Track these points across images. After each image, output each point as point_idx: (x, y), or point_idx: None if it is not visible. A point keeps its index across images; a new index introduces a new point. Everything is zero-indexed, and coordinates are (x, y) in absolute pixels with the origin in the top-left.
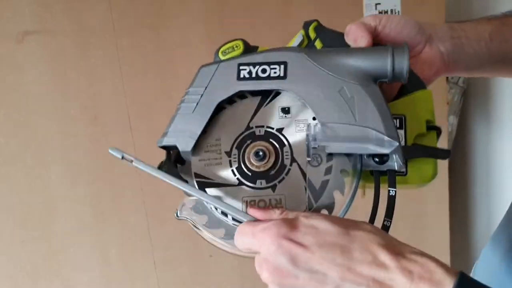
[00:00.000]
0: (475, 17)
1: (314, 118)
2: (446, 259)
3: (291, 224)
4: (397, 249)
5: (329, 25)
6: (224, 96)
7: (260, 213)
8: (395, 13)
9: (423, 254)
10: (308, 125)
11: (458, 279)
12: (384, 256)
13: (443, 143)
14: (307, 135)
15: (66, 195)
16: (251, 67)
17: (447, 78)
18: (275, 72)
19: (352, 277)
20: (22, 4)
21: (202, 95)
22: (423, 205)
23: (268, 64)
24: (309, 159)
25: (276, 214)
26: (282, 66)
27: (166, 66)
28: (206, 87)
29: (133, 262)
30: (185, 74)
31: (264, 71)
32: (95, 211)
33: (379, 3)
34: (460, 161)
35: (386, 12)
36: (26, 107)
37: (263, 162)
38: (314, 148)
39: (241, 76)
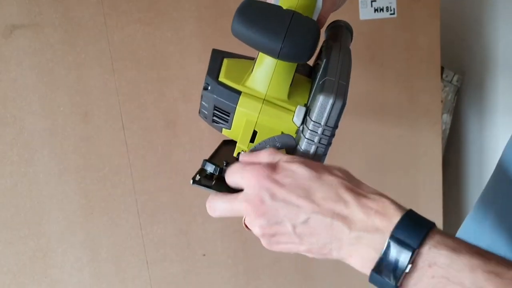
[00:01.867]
0: (469, 13)
1: None
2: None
3: (273, 167)
4: (360, 191)
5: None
6: None
7: (249, 156)
8: (391, 10)
9: (381, 195)
10: None
11: (406, 212)
12: (347, 196)
13: (437, 141)
14: None
15: (54, 193)
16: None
17: (441, 76)
18: None
19: (319, 210)
20: None
21: None
22: (416, 200)
23: None
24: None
25: (262, 156)
26: None
27: (158, 62)
28: None
29: (125, 262)
30: (178, 69)
31: None
32: (85, 210)
33: (375, 0)
34: (453, 158)
35: (382, 9)
36: (13, 103)
37: None
38: None
39: None
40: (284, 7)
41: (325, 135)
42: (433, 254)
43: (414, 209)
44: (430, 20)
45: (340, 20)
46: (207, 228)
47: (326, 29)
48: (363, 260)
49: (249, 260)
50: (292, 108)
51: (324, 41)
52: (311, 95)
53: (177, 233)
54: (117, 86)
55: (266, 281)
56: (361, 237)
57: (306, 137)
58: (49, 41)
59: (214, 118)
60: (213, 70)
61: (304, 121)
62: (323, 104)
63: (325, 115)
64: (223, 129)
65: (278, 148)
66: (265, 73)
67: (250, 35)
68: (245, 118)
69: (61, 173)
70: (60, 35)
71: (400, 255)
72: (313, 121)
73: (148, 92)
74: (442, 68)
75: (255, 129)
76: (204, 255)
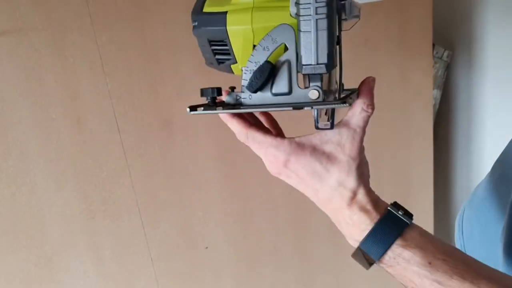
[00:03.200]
0: (460, 16)
1: None
2: (429, 220)
3: (287, 162)
4: (355, 190)
5: None
6: None
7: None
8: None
9: (375, 199)
10: None
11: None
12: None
13: (427, 115)
14: None
15: (53, 200)
16: None
17: (432, 53)
18: None
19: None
20: None
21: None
22: (409, 169)
23: None
24: None
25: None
26: None
27: (150, 60)
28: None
29: (129, 260)
30: (171, 67)
31: None
32: (86, 215)
33: None
34: (443, 131)
35: None
36: (2, 114)
37: None
38: None
39: None
40: None
41: (321, 1)
42: (396, 256)
43: (406, 173)
44: (423, 0)
45: None
46: (208, 221)
47: None
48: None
49: (250, 249)
50: (286, 3)
51: None
52: None
53: (178, 228)
54: (110, 89)
55: (268, 266)
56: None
57: (301, 14)
58: (34, 45)
59: (217, 57)
60: (197, 6)
61: None
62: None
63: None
64: (232, 66)
65: (277, 46)
66: None
67: None
68: (240, 36)
69: (58, 180)
70: (46, 39)
71: (375, 248)
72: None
73: (141, 92)
74: (433, 45)
75: (255, 44)
76: (206, 247)
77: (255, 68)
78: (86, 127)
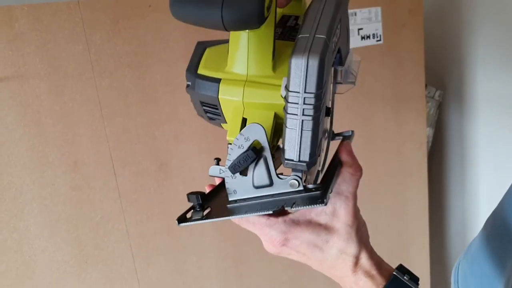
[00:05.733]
0: (451, 56)
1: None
2: (425, 254)
3: (285, 241)
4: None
5: None
6: None
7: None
8: (377, 37)
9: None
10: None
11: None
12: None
13: (422, 155)
14: None
15: (46, 246)
16: None
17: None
18: None
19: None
20: None
21: None
22: (404, 208)
23: None
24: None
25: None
26: None
27: (149, 105)
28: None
29: None
30: (170, 111)
31: None
32: (78, 260)
33: (361, 28)
34: (436, 169)
35: (368, 37)
36: None
37: None
38: None
39: None
40: None
41: (308, 103)
42: None
43: (401, 210)
44: (416, 45)
45: None
46: (202, 266)
47: None
48: None
49: None
50: (279, 82)
51: None
52: None
53: (172, 273)
54: (107, 133)
55: None
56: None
57: (288, 112)
58: (34, 91)
59: (208, 114)
60: (192, 64)
61: None
62: (295, 68)
63: (301, 80)
64: (222, 124)
65: (251, 143)
66: (240, 51)
67: (188, 13)
68: (231, 106)
69: (52, 225)
70: (46, 85)
71: None
72: (290, 91)
73: (139, 136)
74: (425, 85)
75: (244, 116)
76: None
77: (238, 152)
78: (82, 171)
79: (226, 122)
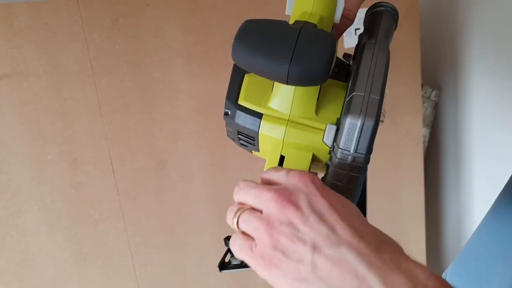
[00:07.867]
0: (446, 56)
1: None
2: (422, 253)
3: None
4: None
5: None
6: None
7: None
8: None
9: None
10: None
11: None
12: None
13: (418, 154)
14: None
15: (44, 244)
16: None
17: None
18: None
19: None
20: None
21: None
22: (399, 203)
23: None
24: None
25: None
26: None
27: (148, 103)
28: None
29: None
30: (169, 109)
31: None
32: (77, 257)
33: (358, 28)
34: (432, 168)
35: None
36: None
37: None
38: None
39: None
40: (296, 18)
41: (357, 163)
42: None
43: (397, 212)
44: (412, 46)
45: (382, 2)
46: (201, 264)
47: (365, 14)
48: None
49: None
50: (322, 126)
51: (360, 35)
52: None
53: (171, 271)
54: (106, 131)
55: None
56: None
57: (336, 167)
58: (33, 89)
59: (241, 141)
60: (233, 92)
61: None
62: (350, 127)
63: (354, 140)
64: (253, 150)
65: None
66: (286, 90)
67: (252, 62)
68: (270, 142)
69: (51, 223)
70: (45, 83)
71: None
72: (341, 149)
73: (137, 134)
74: (422, 86)
75: (282, 154)
76: None
77: None
78: (81, 168)
79: (258, 151)
